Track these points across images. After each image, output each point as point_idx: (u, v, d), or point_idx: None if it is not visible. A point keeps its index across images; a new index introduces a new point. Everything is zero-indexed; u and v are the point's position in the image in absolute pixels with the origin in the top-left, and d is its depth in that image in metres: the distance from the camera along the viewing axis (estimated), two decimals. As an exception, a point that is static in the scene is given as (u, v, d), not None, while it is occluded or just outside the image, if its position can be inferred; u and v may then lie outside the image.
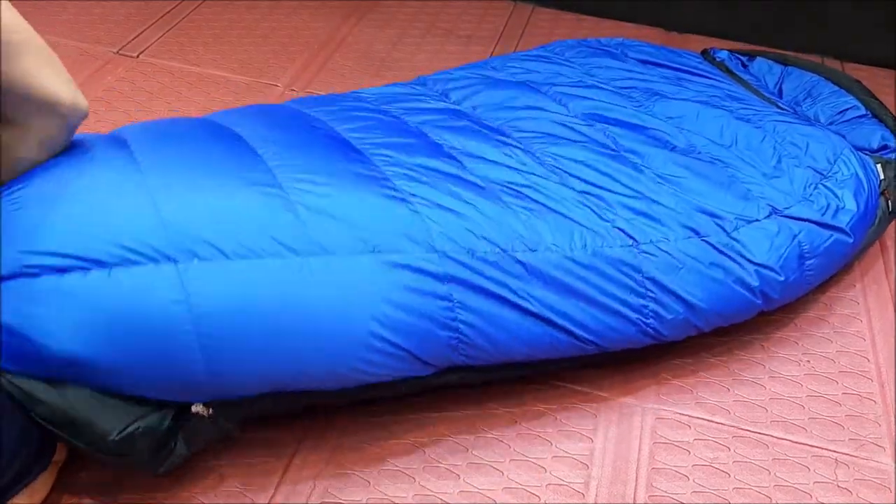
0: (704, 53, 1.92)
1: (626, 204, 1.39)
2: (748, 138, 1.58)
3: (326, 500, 1.19)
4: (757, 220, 1.43)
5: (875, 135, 1.69)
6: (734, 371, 1.44)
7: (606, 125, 1.55)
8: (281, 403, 1.19)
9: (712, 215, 1.41)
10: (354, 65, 2.17)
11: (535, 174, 1.38)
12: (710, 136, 1.58)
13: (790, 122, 1.65)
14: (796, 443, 1.33)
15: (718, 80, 1.78)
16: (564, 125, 1.52)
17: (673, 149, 1.53)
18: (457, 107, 1.55)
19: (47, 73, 1.07)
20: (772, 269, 1.39)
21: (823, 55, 2.39)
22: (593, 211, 1.36)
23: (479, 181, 1.33)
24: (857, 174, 1.55)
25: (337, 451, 1.26)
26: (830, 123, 1.73)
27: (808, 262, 1.44)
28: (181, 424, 1.11)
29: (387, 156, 1.32)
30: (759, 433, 1.34)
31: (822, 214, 1.48)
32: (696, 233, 1.38)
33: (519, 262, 1.25)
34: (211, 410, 1.12)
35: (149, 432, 1.08)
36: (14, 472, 1.06)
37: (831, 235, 1.47)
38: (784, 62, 1.91)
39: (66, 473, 1.18)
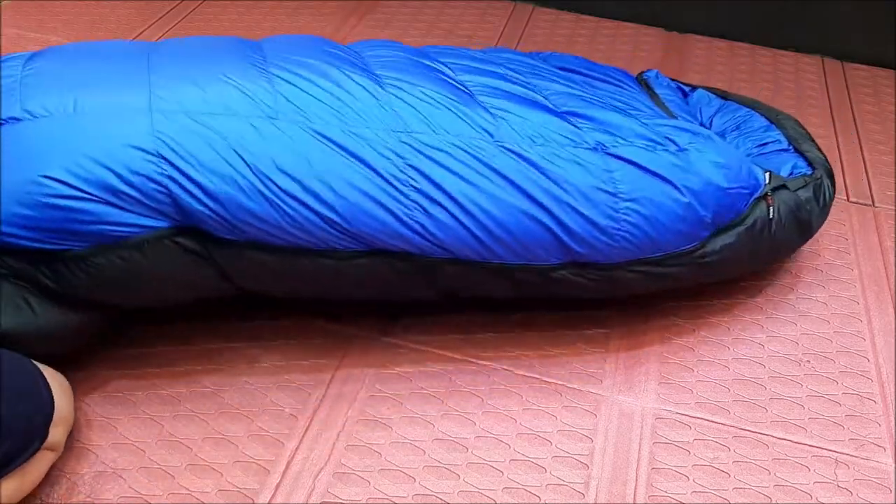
0: (639, 76, 1.89)
1: (411, 103, 1.38)
2: (619, 112, 1.54)
3: (326, 500, 1.19)
4: (572, 147, 1.39)
5: (787, 163, 1.64)
6: (734, 371, 1.44)
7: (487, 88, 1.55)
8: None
9: (515, 133, 1.38)
10: (354, 65, 2.17)
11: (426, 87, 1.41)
12: (573, 102, 1.55)
13: (668, 121, 1.60)
14: (796, 443, 1.34)
15: (628, 89, 1.74)
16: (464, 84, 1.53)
17: (525, 86, 1.53)
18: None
19: None
20: (568, 192, 1.34)
21: (823, 55, 2.40)
22: (375, 96, 1.36)
23: (366, 73, 1.39)
24: (724, 152, 1.49)
25: (336, 451, 1.26)
26: (748, 155, 1.69)
27: (623, 204, 1.36)
28: None
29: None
30: (759, 433, 1.34)
31: (657, 165, 1.40)
32: (490, 136, 1.36)
33: (255, 122, 1.27)
34: None
35: None
36: (4, 449, 1.05)
37: (656, 186, 1.38)
38: (724, 97, 1.89)
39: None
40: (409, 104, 1.36)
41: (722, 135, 1.75)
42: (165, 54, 1.40)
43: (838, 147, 2.04)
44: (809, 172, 1.60)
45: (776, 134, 1.73)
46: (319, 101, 1.33)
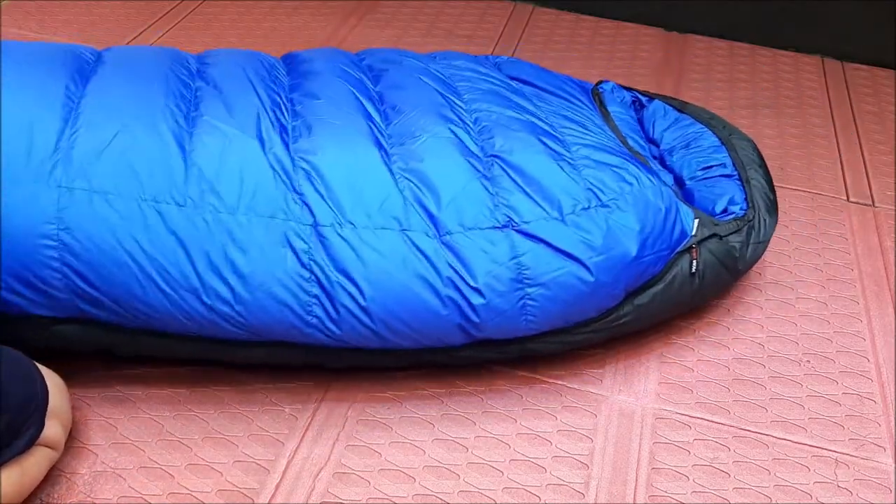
0: (596, 85, 1.83)
1: (327, 176, 1.31)
2: (546, 154, 1.44)
3: (326, 500, 1.19)
4: (479, 229, 1.31)
5: (725, 196, 1.55)
6: (734, 371, 1.44)
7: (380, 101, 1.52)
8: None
9: (429, 214, 1.31)
10: (354, 65, 2.17)
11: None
12: (501, 136, 1.46)
13: (603, 151, 1.50)
14: (796, 443, 1.34)
15: (578, 105, 1.67)
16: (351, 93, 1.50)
17: (446, 121, 1.46)
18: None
19: None
20: (470, 286, 1.27)
21: (823, 55, 2.40)
22: (280, 175, 1.29)
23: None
24: (646, 215, 1.39)
25: (336, 451, 1.26)
26: (692, 178, 1.63)
27: (529, 290, 1.29)
28: None
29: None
30: (759, 433, 1.34)
31: (568, 241, 1.32)
32: (399, 224, 1.29)
33: (160, 208, 1.22)
34: None
35: None
36: (2, 425, 1.05)
37: (564, 267, 1.31)
38: (681, 109, 1.82)
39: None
40: (317, 190, 1.29)
41: (670, 152, 1.71)
42: (98, 86, 1.35)
43: (838, 147, 2.04)
44: (743, 212, 1.52)
45: (723, 156, 1.66)
46: (229, 179, 1.26)
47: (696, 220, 1.46)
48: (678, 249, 1.42)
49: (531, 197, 1.36)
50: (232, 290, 1.22)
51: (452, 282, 1.27)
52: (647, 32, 2.45)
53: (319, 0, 2.44)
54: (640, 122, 1.81)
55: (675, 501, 1.24)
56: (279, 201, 1.27)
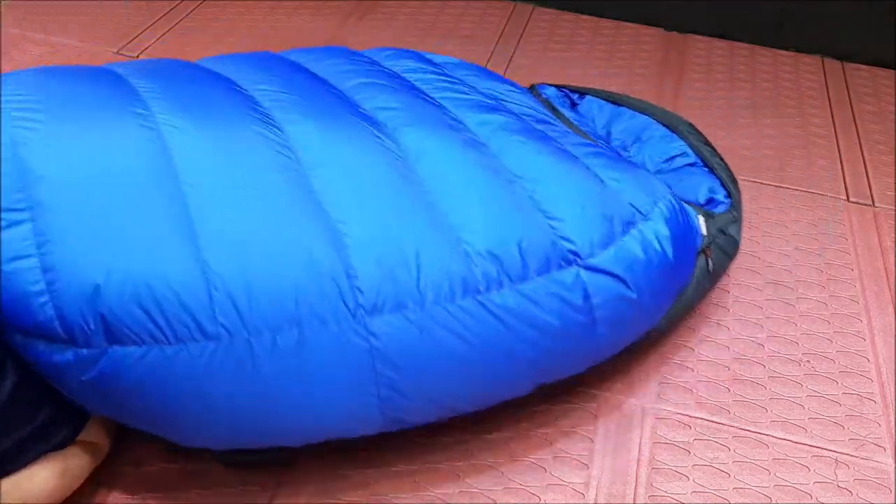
0: (532, 89, 1.77)
1: (368, 239, 1.09)
2: (557, 165, 1.31)
3: (326, 501, 1.19)
4: (547, 273, 1.16)
5: (703, 186, 1.52)
6: (734, 371, 1.44)
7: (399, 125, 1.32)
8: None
9: (496, 259, 1.13)
10: (354, 65, 2.17)
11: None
12: (512, 157, 1.30)
13: (609, 159, 1.41)
14: (796, 443, 1.34)
15: (543, 112, 1.58)
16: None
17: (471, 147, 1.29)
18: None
19: None
20: (552, 335, 1.16)
21: (823, 55, 2.40)
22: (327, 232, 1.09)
23: None
24: (677, 223, 1.33)
25: (336, 452, 1.26)
26: (658, 172, 1.59)
27: (599, 329, 1.20)
28: None
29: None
30: (759, 433, 1.34)
31: (628, 268, 1.22)
32: (467, 288, 1.09)
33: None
34: None
35: None
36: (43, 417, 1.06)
37: (629, 297, 1.22)
38: (614, 102, 1.76)
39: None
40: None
41: (624, 148, 1.67)
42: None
43: (838, 147, 2.04)
44: (729, 201, 1.52)
45: (680, 145, 1.65)
46: None
47: (701, 218, 1.45)
48: (697, 251, 1.42)
49: (581, 223, 1.22)
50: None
51: (535, 344, 1.15)
52: (647, 32, 2.45)
53: (319, 0, 2.44)
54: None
55: (675, 501, 1.24)
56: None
